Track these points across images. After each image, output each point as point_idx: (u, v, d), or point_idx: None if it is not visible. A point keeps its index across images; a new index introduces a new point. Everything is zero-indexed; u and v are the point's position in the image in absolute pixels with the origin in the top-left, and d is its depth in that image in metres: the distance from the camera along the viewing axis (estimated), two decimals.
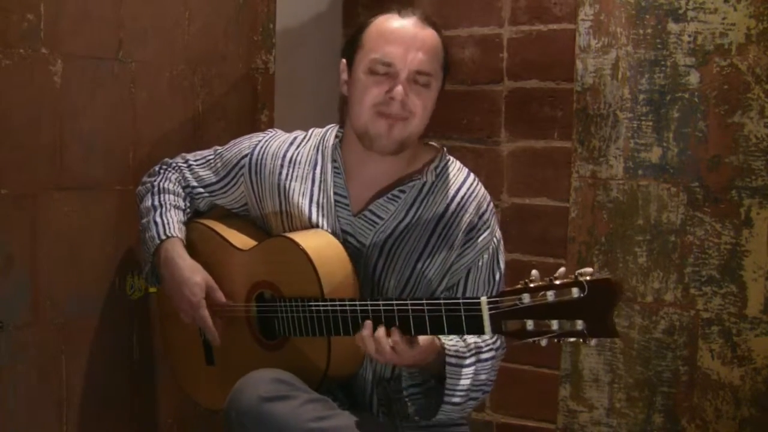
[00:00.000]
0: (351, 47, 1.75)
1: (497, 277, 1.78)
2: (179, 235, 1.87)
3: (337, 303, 1.63)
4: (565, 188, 2.52)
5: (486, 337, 1.70)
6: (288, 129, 1.97)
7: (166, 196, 1.93)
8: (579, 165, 2.48)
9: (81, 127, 2.03)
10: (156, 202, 1.92)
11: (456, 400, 1.65)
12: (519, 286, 1.46)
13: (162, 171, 1.99)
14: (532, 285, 1.45)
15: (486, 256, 1.76)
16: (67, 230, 2.02)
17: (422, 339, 1.58)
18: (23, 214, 1.93)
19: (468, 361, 1.66)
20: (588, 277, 1.41)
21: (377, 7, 2.82)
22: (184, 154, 2.02)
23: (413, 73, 1.68)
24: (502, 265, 1.79)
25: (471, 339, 1.69)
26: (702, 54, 2.31)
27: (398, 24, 1.71)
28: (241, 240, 1.85)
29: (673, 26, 2.34)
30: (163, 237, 1.86)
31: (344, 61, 1.77)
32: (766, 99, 2.24)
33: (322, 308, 1.65)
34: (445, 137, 2.69)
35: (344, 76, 1.76)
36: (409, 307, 1.56)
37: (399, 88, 1.67)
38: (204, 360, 1.91)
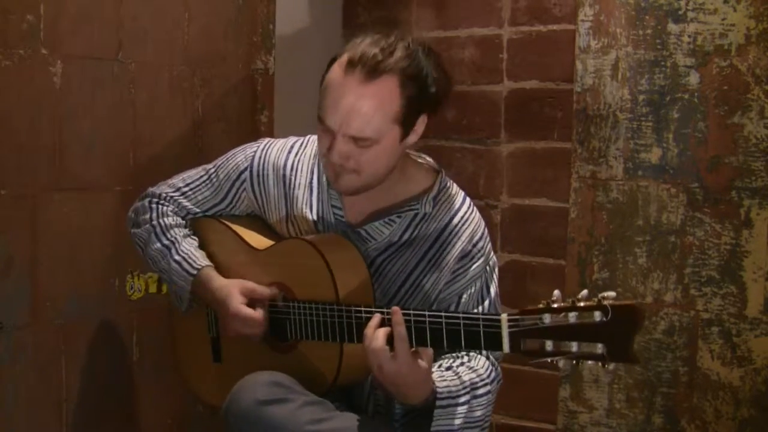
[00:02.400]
0: (322, 80, 1.68)
1: (486, 303, 1.75)
2: (204, 263, 1.82)
3: (353, 309, 1.61)
4: (564, 189, 2.52)
5: (481, 371, 1.70)
6: (288, 130, 1.96)
7: (172, 231, 1.85)
8: (579, 165, 2.48)
9: (81, 127, 2.03)
10: (166, 241, 1.84)
11: None
12: (541, 305, 1.45)
13: (153, 206, 1.88)
14: (554, 305, 1.44)
15: (478, 283, 1.75)
16: (66, 230, 2.02)
17: (425, 361, 1.56)
18: (23, 214, 1.94)
19: (462, 399, 1.64)
20: (611, 302, 1.40)
21: (376, 9, 2.84)
22: (170, 183, 1.91)
23: (349, 137, 1.61)
24: (492, 291, 1.77)
25: (466, 376, 1.67)
26: (702, 55, 2.31)
27: (338, 82, 1.59)
28: (257, 240, 1.83)
29: (672, 27, 2.34)
30: (194, 273, 1.80)
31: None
32: (766, 99, 2.24)
33: (336, 313, 1.63)
34: (444, 138, 2.70)
35: None
36: (427, 319, 1.54)
37: (334, 149, 1.62)
38: (211, 357, 1.91)
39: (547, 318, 1.44)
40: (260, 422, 1.55)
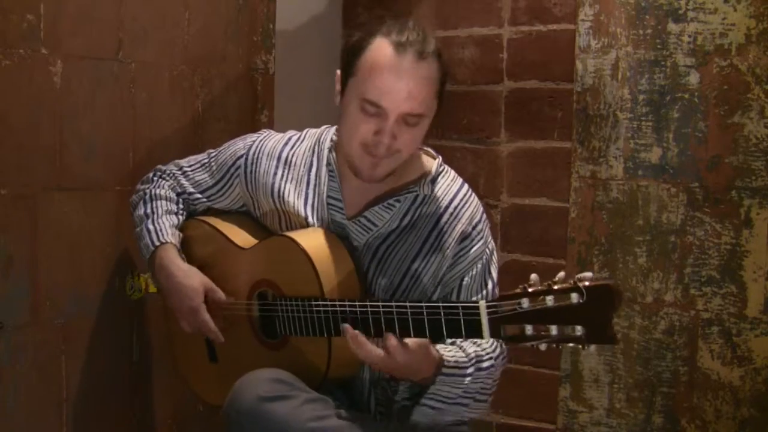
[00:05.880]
0: (346, 65, 1.69)
1: (489, 285, 1.77)
2: (172, 240, 1.87)
3: (337, 304, 1.63)
4: (564, 188, 2.53)
5: (485, 345, 1.70)
6: (288, 129, 1.97)
7: (158, 202, 1.93)
8: (579, 165, 2.48)
9: (81, 127, 2.03)
10: (148, 210, 1.91)
11: (436, 405, 1.64)
12: (518, 290, 1.45)
13: (155, 179, 1.99)
14: (531, 290, 1.44)
15: (480, 265, 1.76)
16: (67, 230, 2.02)
17: (414, 344, 1.56)
18: (23, 214, 1.93)
19: (468, 371, 1.65)
20: (587, 283, 1.39)
21: (377, 8, 2.84)
22: (177, 161, 2.01)
23: (403, 115, 1.64)
24: (494, 274, 1.78)
25: (471, 349, 1.68)
26: (702, 54, 2.31)
27: (393, 63, 1.63)
28: (242, 238, 1.86)
29: (672, 26, 2.34)
30: (157, 243, 1.86)
31: (339, 72, 1.72)
32: (766, 99, 2.24)
33: (321, 308, 1.65)
34: (444, 137, 2.70)
35: (338, 87, 1.72)
36: (408, 310, 1.55)
37: (387, 131, 1.64)
38: (207, 357, 1.92)
39: (525, 302, 1.43)
40: (262, 419, 1.55)
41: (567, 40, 2.51)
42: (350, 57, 1.68)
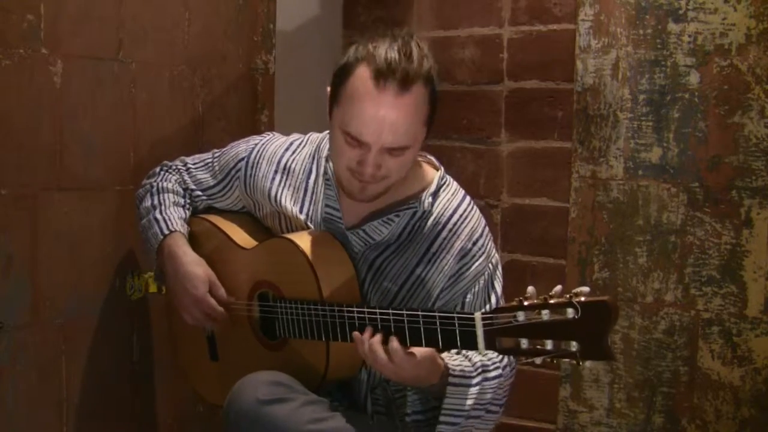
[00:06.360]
0: (332, 89, 1.65)
1: (493, 300, 1.74)
2: (181, 230, 1.87)
3: (335, 308, 1.62)
4: (565, 188, 2.52)
5: (491, 354, 1.69)
6: (288, 129, 1.97)
7: (166, 194, 1.93)
8: (579, 165, 2.48)
9: (81, 127, 2.03)
10: (156, 201, 1.92)
11: (454, 420, 1.63)
12: (514, 303, 1.44)
13: (161, 173, 1.99)
14: (527, 303, 1.43)
15: (482, 281, 1.74)
16: (67, 230, 2.02)
17: (422, 354, 1.56)
18: (23, 214, 1.93)
19: (474, 381, 1.64)
20: (582, 298, 1.38)
21: (377, 8, 2.84)
22: (183, 158, 2.02)
23: (386, 149, 1.61)
24: (498, 289, 1.76)
25: (476, 358, 1.67)
26: (702, 54, 2.31)
27: (372, 96, 1.56)
28: (243, 238, 1.86)
29: (673, 26, 2.34)
30: (166, 232, 1.86)
31: (329, 90, 1.68)
32: (766, 99, 2.24)
33: (320, 312, 1.64)
34: (445, 137, 2.70)
35: (329, 104, 1.68)
36: (405, 318, 1.54)
37: (369, 163, 1.60)
38: (208, 355, 1.92)
39: (521, 316, 1.43)
40: (261, 421, 1.55)
41: (567, 40, 2.51)
42: (336, 81, 1.63)
